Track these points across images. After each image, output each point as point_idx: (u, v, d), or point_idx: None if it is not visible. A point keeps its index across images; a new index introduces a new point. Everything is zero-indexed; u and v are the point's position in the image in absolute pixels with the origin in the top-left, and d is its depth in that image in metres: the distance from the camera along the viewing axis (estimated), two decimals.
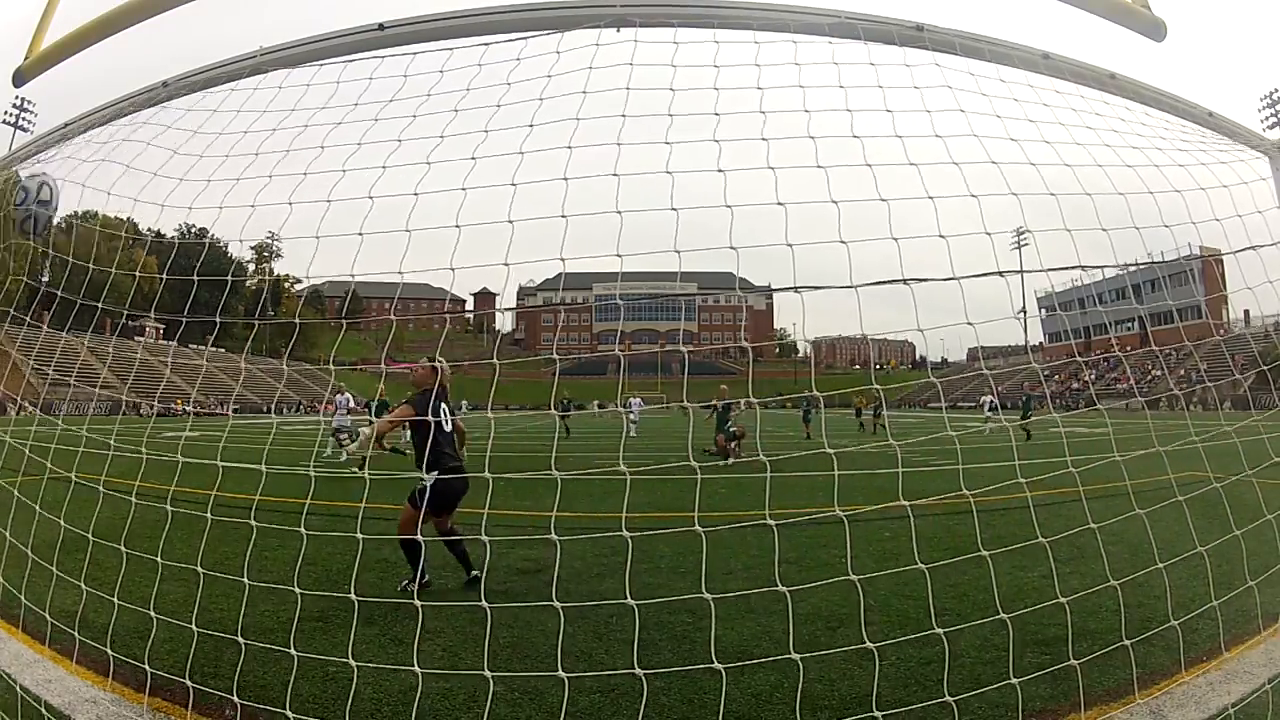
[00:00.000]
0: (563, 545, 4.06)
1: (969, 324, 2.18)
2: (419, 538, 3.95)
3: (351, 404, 14.87)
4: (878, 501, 2.53)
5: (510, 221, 2.11)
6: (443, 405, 4.50)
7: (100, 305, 3.05)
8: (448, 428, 4.61)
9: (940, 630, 2.22)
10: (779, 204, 2.11)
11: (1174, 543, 3.06)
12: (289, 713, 2.25)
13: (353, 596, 2.37)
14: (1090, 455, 3.21)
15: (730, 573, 4.77)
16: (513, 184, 2.16)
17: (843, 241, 2.09)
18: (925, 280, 2.10)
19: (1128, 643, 2.42)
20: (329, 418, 14.68)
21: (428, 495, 4.17)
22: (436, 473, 4.22)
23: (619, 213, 2.09)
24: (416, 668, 2.18)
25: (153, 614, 2.51)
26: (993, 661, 3.04)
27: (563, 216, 2.11)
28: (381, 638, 3.56)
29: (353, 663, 2.37)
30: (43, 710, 2.64)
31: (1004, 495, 7.11)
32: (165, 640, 3.11)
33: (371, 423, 13.99)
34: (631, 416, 22.55)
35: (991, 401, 21.16)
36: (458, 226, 2.13)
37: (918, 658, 3.13)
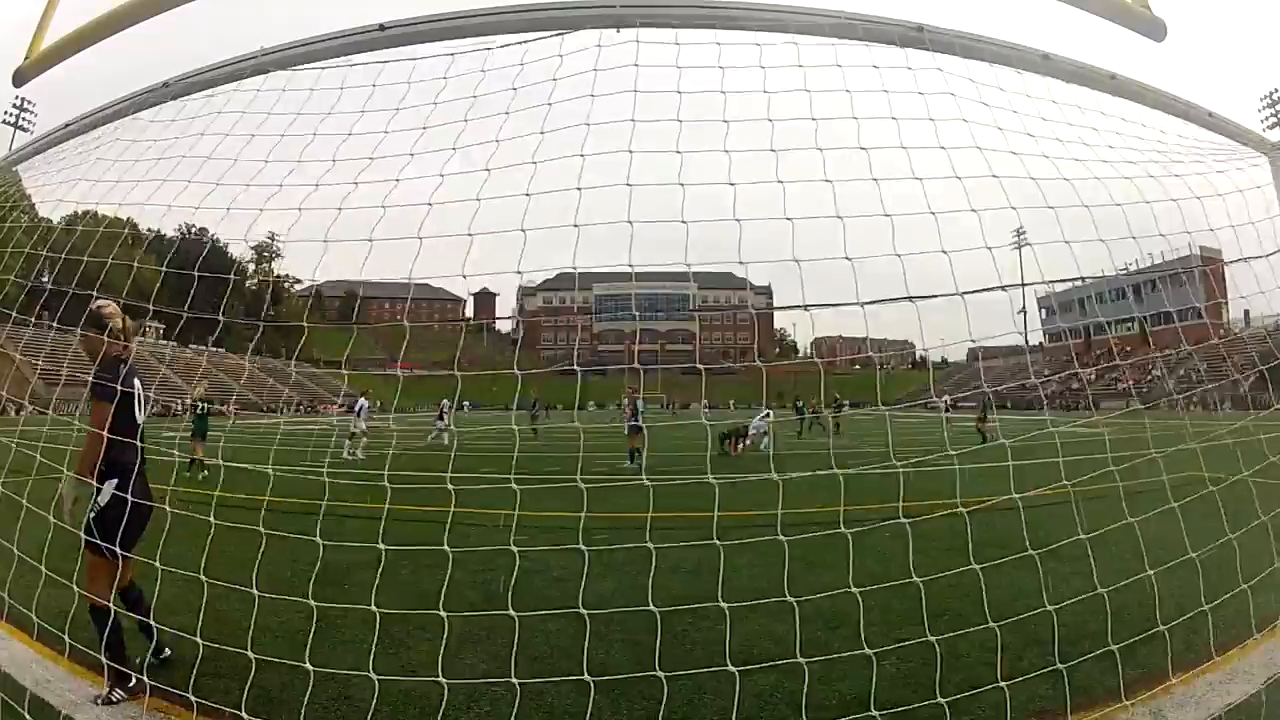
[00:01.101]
0: (562, 546, 4.05)
1: (971, 340, 2.18)
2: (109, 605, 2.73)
3: (366, 409, 15.20)
4: (877, 501, 2.53)
5: (523, 231, 2.11)
6: (136, 382, 3.04)
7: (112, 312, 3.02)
8: (141, 417, 3.08)
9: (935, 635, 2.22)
10: (780, 185, 2.11)
11: (1174, 544, 3.06)
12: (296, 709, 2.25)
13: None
14: (1088, 455, 3.22)
15: (733, 572, 4.76)
16: (527, 194, 2.16)
17: (839, 217, 2.09)
18: (930, 297, 2.10)
19: (1128, 645, 2.42)
20: (345, 421, 14.99)
21: (112, 521, 2.71)
22: (115, 482, 2.81)
23: (629, 222, 2.09)
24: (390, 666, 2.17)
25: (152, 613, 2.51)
26: (993, 662, 3.04)
27: (574, 226, 2.11)
28: (382, 637, 3.56)
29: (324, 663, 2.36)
30: (43, 710, 2.64)
31: (1004, 495, 7.09)
32: (166, 641, 3.11)
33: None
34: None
35: (947, 402, 21.13)
36: (470, 235, 2.14)
37: (919, 658, 3.13)
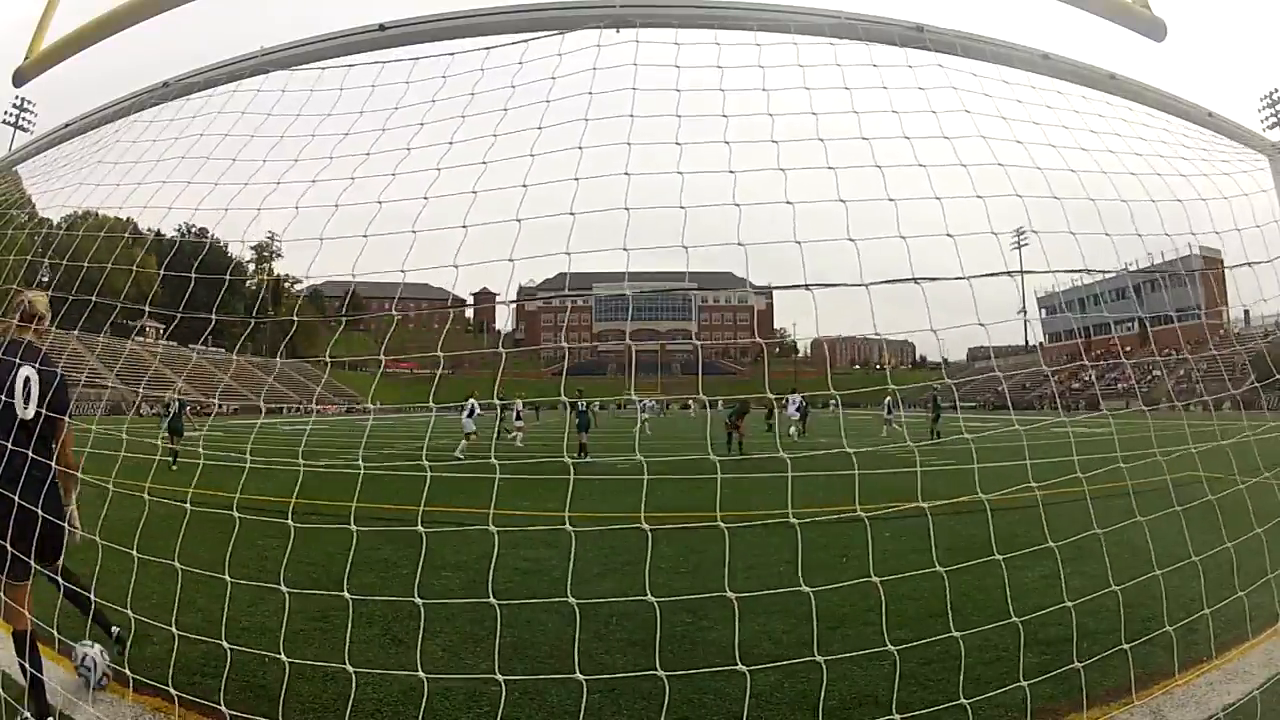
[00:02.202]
0: (563, 546, 4.06)
1: (980, 324, 2.18)
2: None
3: (477, 409, 15.42)
4: (878, 502, 2.53)
5: (518, 221, 2.11)
6: (27, 373, 2.47)
7: (108, 306, 3.03)
8: (27, 413, 2.44)
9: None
10: (786, 202, 2.11)
11: (1174, 544, 3.06)
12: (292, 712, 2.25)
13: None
14: (1090, 455, 3.22)
15: (731, 573, 4.77)
16: (524, 185, 2.16)
17: (851, 239, 2.07)
18: (935, 280, 2.09)
19: (1128, 646, 2.42)
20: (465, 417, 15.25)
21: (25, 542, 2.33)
22: None
23: (626, 210, 2.08)
24: (420, 670, 2.18)
25: (156, 613, 2.51)
26: (994, 662, 3.04)
27: (570, 214, 2.10)
28: (382, 638, 3.57)
29: (349, 668, 2.37)
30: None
31: (1002, 496, 7.11)
32: (165, 641, 3.11)
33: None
34: (645, 415, 23.42)
35: (889, 403, 19.79)
36: (464, 228, 2.13)
37: (918, 658, 3.13)
